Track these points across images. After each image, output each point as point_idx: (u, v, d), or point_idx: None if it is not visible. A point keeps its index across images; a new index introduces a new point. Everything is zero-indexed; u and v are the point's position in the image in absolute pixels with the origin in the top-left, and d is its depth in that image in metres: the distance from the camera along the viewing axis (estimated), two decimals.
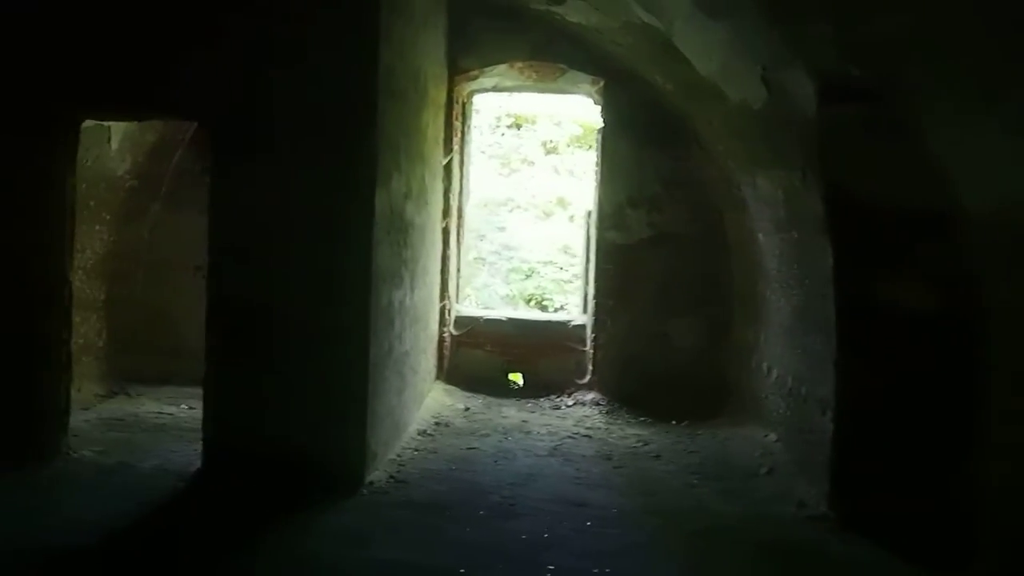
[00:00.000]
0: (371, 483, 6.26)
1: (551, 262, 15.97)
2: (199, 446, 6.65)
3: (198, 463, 6.42)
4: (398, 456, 7.03)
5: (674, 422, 8.71)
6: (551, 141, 17.87)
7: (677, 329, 9.27)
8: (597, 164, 9.60)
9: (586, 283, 10.02)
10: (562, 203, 17.10)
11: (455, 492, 6.26)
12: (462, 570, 4.88)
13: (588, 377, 9.52)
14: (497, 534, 5.45)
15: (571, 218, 16.94)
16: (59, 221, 6.55)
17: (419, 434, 7.80)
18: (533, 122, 17.56)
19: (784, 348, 7.34)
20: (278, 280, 6.15)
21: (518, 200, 16.99)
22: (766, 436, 7.57)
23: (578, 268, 15.98)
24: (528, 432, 8.20)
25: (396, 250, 6.91)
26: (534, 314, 12.74)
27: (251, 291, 6.17)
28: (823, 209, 5.85)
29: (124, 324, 9.20)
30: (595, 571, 4.98)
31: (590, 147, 18.02)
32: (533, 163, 17.50)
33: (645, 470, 7.15)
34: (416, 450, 7.31)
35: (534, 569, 4.98)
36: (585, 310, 10.03)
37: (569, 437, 8.07)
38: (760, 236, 7.86)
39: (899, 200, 5.47)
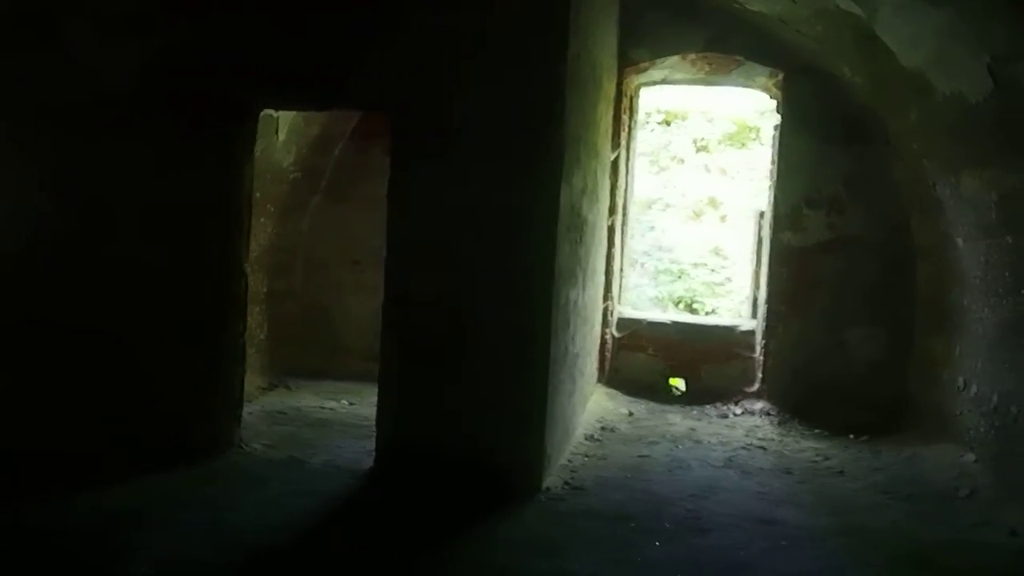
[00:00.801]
0: (547, 489, 6.03)
1: (702, 264, 15.50)
2: (366, 443, 6.58)
3: (368, 461, 6.31)
4: (569, 461, 6.79)
5: (851, 436, 8.20)
6: (702, 139, 17.36)
7: (854, 338, 8.74)
8: (772, 161, 9.13)
9: (755, 287, 9.57)
10: (713, 203, 16.58)
11: (635, 502, 5.96)
12: None
13: (756, 385, 9.09)
14: (689, 551, 5.12)
15: (723, 219, 16.43)
16: (237, 212, 6.53)
17: (586, 439, 7.54)
18: (684, 118, 17.07)
19: (987, 363, 6.78)
20: (458, 277, 5.97)
21: (668, 199, 16.56)
22: (961, 456, 7.00)
23: (736, 270, 15.50)
24: (698, 441, 7.84)
25: (573, 248, 6.66)
26: (698, 318, 12.31)
27: (430, 288, 6.00)
28: None
29: (283, 317, 9.21)
30: None
31: (743, 145, 17.47)
32: (683, 161, 17.01)
33: (829, 487, 6.71)
34: (586, 456, 7.05)
35: None
36: (753, 315, 9.58)
37: (743, 448, 7.68)
38: (959, 241, 7.31)
39: None
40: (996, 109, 5.66)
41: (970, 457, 6.92)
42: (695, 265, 15.51)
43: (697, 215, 16.49)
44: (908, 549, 5.42)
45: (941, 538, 5.63)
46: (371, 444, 6.63)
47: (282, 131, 8.43)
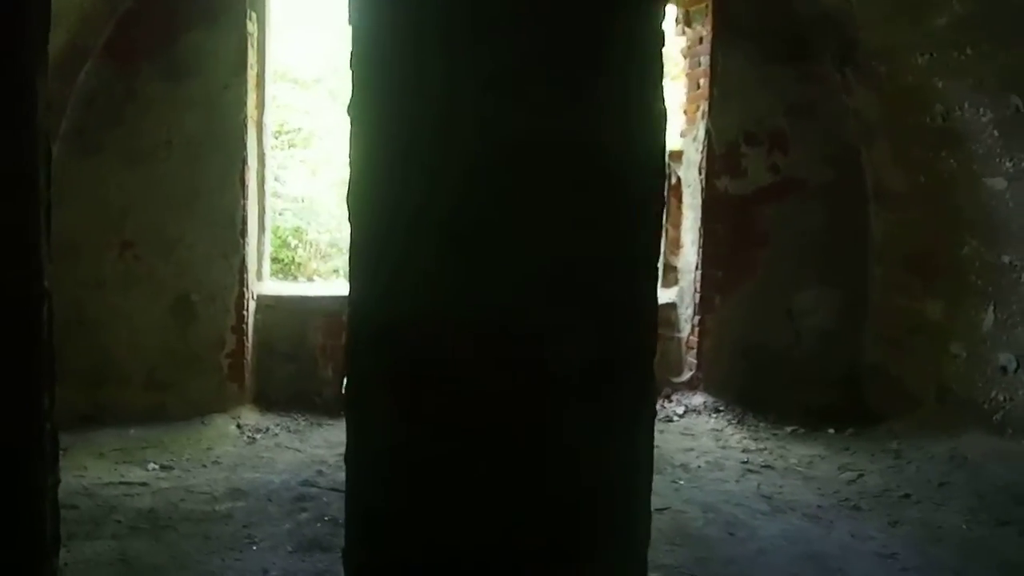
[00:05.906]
0: None
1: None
2: (264, 556, 4.02)
3: None
4: None
5: (832, 430, 6.57)
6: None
7: (808, 305, 7.05)
8: (695, 87, 7.09)
9: (666, 247, 7.52)
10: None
11: None
12: None
13: (689, 373, 7.16)
14: None
15: None
16: (26, 184, 3.42)
17: None
18: None
19: None
20: (493, 282, 3.29)
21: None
22: None
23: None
24: (684, 466, 5.80)
25: None
26: None
27: (441, 304, 3.29)
28: None
29: None
30: None
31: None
32: None
33: (930, 525, 4.90)
34: None
35: None
36: (674, 283, 7.56)
37: (750, 471, 5.74)
38: (986, 180, 5.78)
39: None
40: None
41: None
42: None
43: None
44: None
45: None
46: (274, 556, 4.06)
47: None
